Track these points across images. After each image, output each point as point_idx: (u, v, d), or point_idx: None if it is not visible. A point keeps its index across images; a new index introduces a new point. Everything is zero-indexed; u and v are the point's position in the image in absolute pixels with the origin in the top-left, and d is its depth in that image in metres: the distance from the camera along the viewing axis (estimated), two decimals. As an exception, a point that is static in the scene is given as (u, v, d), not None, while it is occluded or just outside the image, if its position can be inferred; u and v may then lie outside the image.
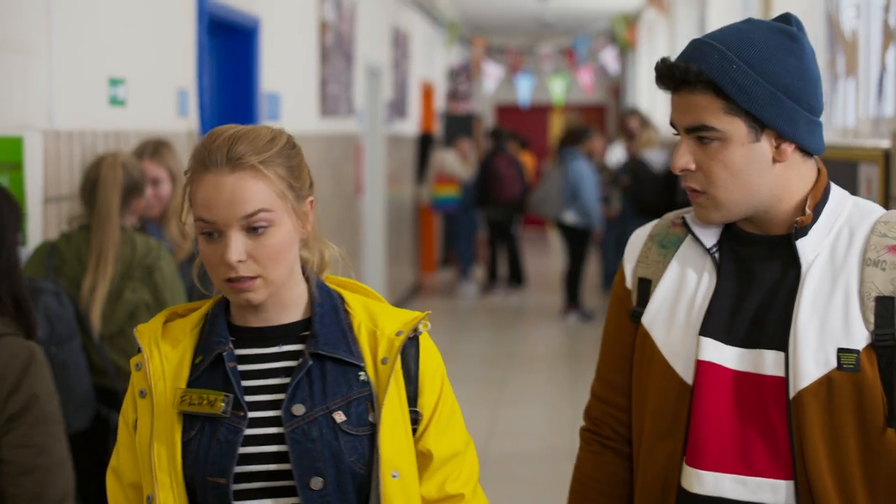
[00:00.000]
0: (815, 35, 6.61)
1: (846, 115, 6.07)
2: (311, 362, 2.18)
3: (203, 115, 6.06)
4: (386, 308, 2.29)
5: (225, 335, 2.21)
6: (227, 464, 2.13)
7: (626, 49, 20.73)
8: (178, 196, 4.57)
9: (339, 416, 2.16)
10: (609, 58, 21.26)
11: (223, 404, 2.14)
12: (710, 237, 2.28)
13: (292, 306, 2.22)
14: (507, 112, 24.18)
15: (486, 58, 21.15)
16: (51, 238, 4.15)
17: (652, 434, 2.29)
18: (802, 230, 2.18)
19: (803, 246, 2.18)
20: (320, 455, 2.14)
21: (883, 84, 5.12)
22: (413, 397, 2.23)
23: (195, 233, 2.17)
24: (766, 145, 2.16)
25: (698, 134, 2.16)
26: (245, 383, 2.18)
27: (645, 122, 11.79)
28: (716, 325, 2.22)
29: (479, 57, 21.02)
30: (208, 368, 2.19)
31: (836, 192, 2.24)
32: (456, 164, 14.71)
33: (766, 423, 2.16)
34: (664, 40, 14.63)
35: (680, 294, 2.29)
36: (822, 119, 2.20)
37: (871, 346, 2.11)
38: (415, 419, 2.22)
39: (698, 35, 2.21)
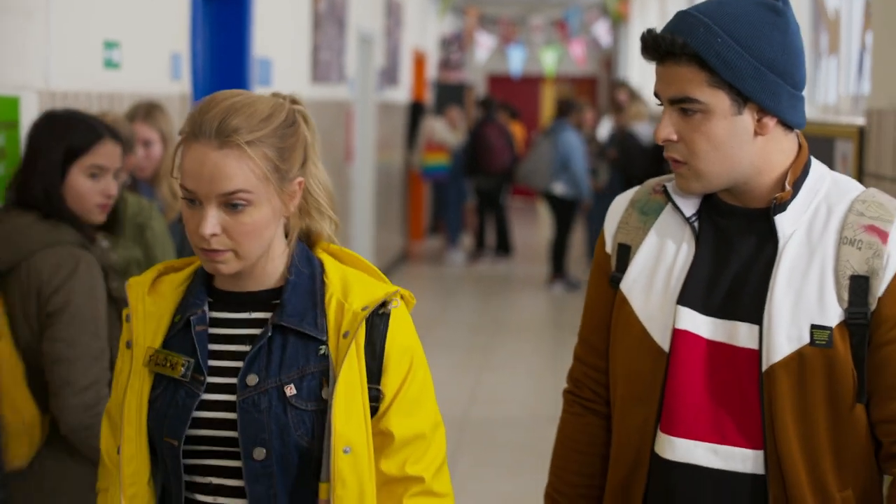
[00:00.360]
0: (801, 14, 6.72)
1: (828, 93, 6.18)
2: (270, 333, 2.17)
3: (196, 79, 6.15)
4: (364, 281, 2.25)
5: (202, 297, 2.22)
6: (180, 426, 2.15)
7: (618, 22, 20.79)
8: (169, 157, 4.68)
9: (290, 390, 2.15)
10: (601, 30, 21.33)
11: (182, 368, 2.16)
12: (690, 206, 2.29)
13: (268, 275, 2.22)
14: (499, 82, 24.24)
15: (479, 28, 21.21)
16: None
17: (626, 399, 2.32)
18: (781, 206, 2.19)
19: (781, 221, 2.20)
20: (266, 426, 2.13)
21: (862, 63, 5.23)
22: (376, 374, 2.19)
23: (180, 194, 2.19)
24: (748, 118, 2.17)
25: (682, 105, 2.17)
26: (213, 347, 2.19)
27: (634, 95, 11.89)
28: (693, 294, 2.24)
29: (472, 27, 21.08)
30: (182, 329, 2.21)
31: (816, 167, 2.26)
32: (445, 132, 14.80)
33: (739, 394, 2.19)
34: (656, 13, 14.71)
35: (659, 261, 2.30)
36: (805, 95, 2.23)
37: (844, 324, 2.14)
38: (375, 397, 2.18)
39: (689, 7, 2.25)
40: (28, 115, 4.17)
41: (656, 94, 2.24)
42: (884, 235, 2.16)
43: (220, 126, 2.07)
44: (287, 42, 8.19)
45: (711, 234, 2.27)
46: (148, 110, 4.68)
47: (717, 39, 2.12)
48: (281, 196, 2.15)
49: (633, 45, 18.17)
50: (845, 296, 2.14)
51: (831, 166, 4.70)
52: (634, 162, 10.93)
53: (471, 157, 14.40)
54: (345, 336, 2.16)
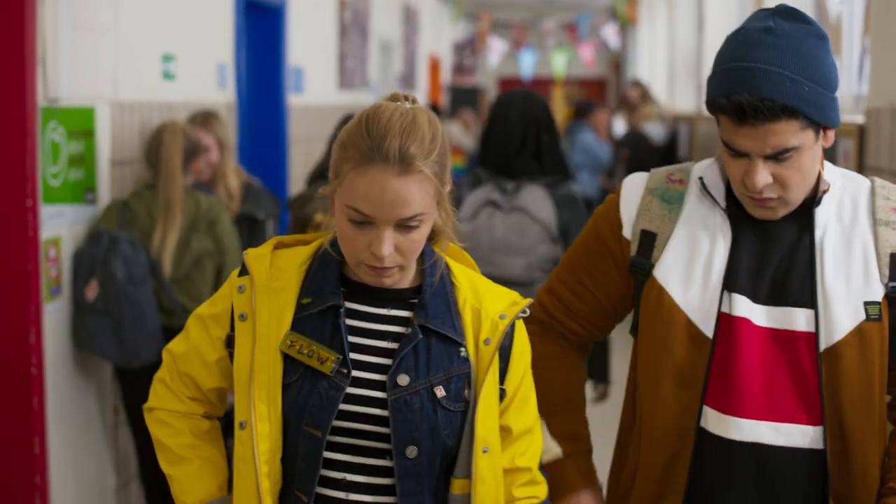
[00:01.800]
0: (804, 17, 7.08)
1: (831, 93, 6.51)
2: (420, 335, 2.19)
3: (240, 88, 6.56)
4: (488, 285, 2.30)
5: (338, 287, 2.22)
6: (325, 418, 2.14)
7: (626, 25, 21.10)
8: (226, 161, 5.10)
9: (440, 392, 2.17)
10: (610, 33, 21.64)
11: (333, 365, 2.16)
12: (722, 198, 2.37)
13: (407, 273, 2.23)
14: (510, 85, 24.47)
15: (491, 33, 21.54)
16: (118, 197, 4.66)
17: (664, 383, 2.36)
18: (818, 199, 2.31)
19: (818, 213, 2.31)
20: (419, 426, 2.15)
21: (862, 65, 5.57)
22: (503, 374, 2.25)
23: (339, 214, 2.14)
24: (820, 138, 2.26)
25: (782, 155, 2.22)
26: (351, 339, 2.19)
27: (645, 96, 12.20)
28: (741, 282, 2.31)
29: (484, 32, 21.42)
30: (317, 315, 2.20)
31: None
32: (460, 134, 15.14)
33: (797, 375, 2.28)
34: (664, 16, 15.04)
35: (695, 251, 2.35)
36: None
37: (886, 297, 2.28)
38: (501, 396, 2.25)
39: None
40: (102, 124, 4.58)
41: (738, 151, 2.25)
42: None
43: (402, 153, 2.07)
44: (317, 51, 8.59)
45: (748, 225, 2.35)
46: (206, 118, 5.11)
47: (805, 88, 2.17)
48: (440, 208, 2.19)
49: (642, 48, 18.53)
50: (886, 272, 2.28)
51: (834, 162, 5.06)
52: (647, 161, 11.16)
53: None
54: (486, 343, 2.20)
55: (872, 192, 2.36)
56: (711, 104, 2.27)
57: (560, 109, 21.46)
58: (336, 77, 9.18)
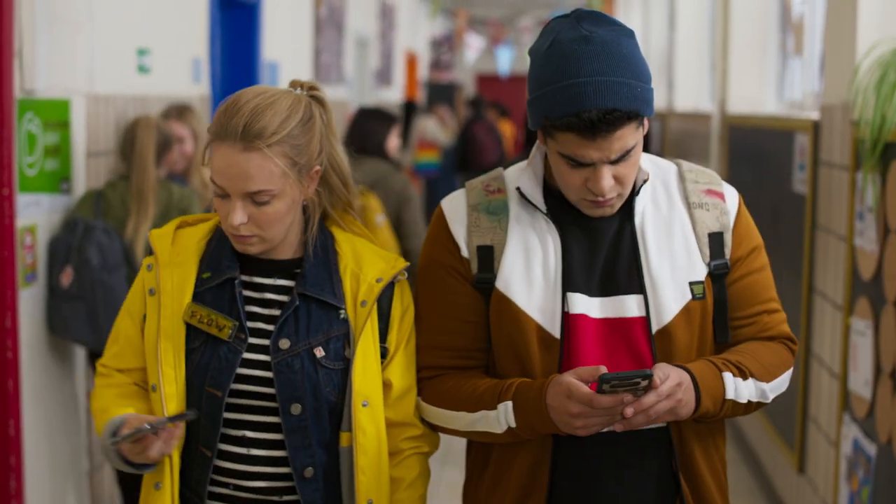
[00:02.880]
0: (769, 16, 7.24)
1: (794, 90, 6.68)
2: (297, 302, 2.39)
3: (214, 83, 6.67)
4: (372, 251, 2.49)
5: (233, 261, 2.42)
6: (225, 379, 2.36)
7: (603, 22, 21.19)
8: (200, 153, 5.22)
9: (319, 352, 2.38)
10: (587, 30, 21.71)
11: (230, 332, 2.38)
12: (541, 202, 2.43)
13: (288, 245, 2.44)
14: (487, 82, 24.71)
15: (468, 29, 21.65)
16: (94, 187, 4.77)
17: None
18: (638, 188, 2.42)
19: (636, 200, 2.42)
20: (301, 385, 2.36)
21: (823, 63, 5.72)
22: (383, 333, 2.44)
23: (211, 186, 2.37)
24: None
25: (621, 158, 2.29)
26: (246, 308, 2.41)
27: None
28: (577, 280, 2.39)
29: (462, 28, 21.53)
30: (215, 287, 2.41)
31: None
32: (436, 130, 15.25)
33: (637, 357, 2.37)
34: (639, 15, 15.18)
35: (529, 256, 2.41)
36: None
37: (709, 276, 2.42)
38: (383, 353, 2.44)
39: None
40: (77, 116, 4.68)
41: (584, 162, 2.28)
42: (721, 196, 2.48)
43: (245, 130, 2.26)
44: (292, 46, 8.69)
45: (571, 224, 2.42)
46: (180, 111, 5.23)
47: (637, 90, 2.24)
48: (300, 186, 2.37)
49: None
50: (707, 251, 2.42)
51: (791, 157, 5.23)
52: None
53: (461, 154, 14.83)
54: (362, 305, 2.41)
55: (681, 177, 2.49)
56: (553, 124, 2.26)
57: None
58: (311, 72, 9.29)
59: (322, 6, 9.57)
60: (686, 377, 2.31)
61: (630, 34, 2.31)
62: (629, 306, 2.39)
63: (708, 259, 2.43)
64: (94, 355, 4.64)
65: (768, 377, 2.44)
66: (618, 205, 2.38)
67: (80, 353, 4.75)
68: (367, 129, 6.00)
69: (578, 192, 2.34)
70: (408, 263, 2.48)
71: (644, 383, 2.20)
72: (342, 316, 2.42)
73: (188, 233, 2.48)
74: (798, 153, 5.12)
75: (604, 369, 2.23)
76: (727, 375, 2.37)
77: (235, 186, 2.30)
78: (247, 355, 2.38)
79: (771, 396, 2.47)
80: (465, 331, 2.47)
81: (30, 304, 4.31)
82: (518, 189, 2.45)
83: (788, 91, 6.82)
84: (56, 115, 4.50)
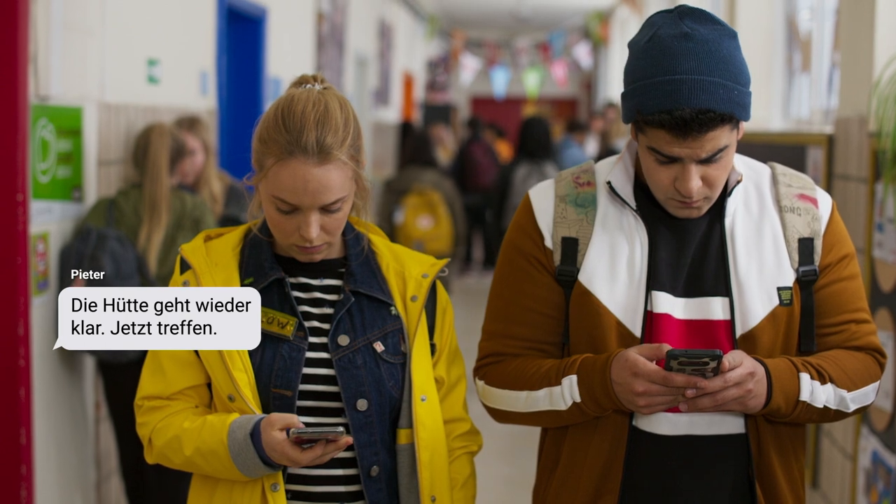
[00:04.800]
0: (775, 33, 7.25)
1: (801, 107, 6.67)
2: (353, 299, 2.39)
3: (220, 96, 6.65)
4: (406, 251, 2.51)
5: (276, 263, 2.40)
6: (292, 377, 2.33)
7: (598, 44, 21.28)
8: (210, 165, 5.19)
9: (379, 346, 2.38)
10: (582, 53, 21.79)
11: (293, 328, 2.35)
12: (632, 200, 2.41)
13: (334, 246, 2.42)
14: (482, 103, 24.74)
15: (465, 50, 21.68)
16: (105, 195, 4.74)
17: None
18: (731, 189, 2.39)
19: (728, 202, 2.40)
20: (364, 380, 2.35)
21: (832, 79, 5.73)
22: (431, 330, 2.47)
23: (266, 203, 2.32)
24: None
25: (714, 158, 2.28)
26: (299, 308, 2.39)
27: (619, 114, 12.41)
28: (662, 279, 2.36)
29: (458, 49, 21.56)
30: (261, 291, 2.36)
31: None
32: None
33: None
34: (636, 37, 15.19)
35: (615, 252, 2.39)
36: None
37: (797, 282, 2.38)
38: (432, 350, 2.47)
39: (684, 72, 2.15)
40: (89, 124, 4.66)
41: (673, 157, 2.28)
42: (814, 201, 2.44)
43: (319, 143, 2.25)
44: (294, 63, 8.69)
45: (660, 222, 2.40)
46: (191, 122, 5.21)
47: (734, 92, 2.23)
48: (358, 186, 2.39)
49: (613, 67, 18.69)
50: (796, 256, 2.38)
51: (803, 170, 5.22)
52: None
53: (458, 174, 14.82)
54: (413, 300, 2.43)
55: (774, 180, 2.46)
56: (644, 119, 2.26)
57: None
58: (313, 89, 9.26)
59: (324, 23, 9.57)
60: (760, 369, 2.28)
61: (732, 35, 2.29)
62: (714, 309, 2.36)
63: (797, 265, 2.40)
64: (104, 365, 4.61)
65: (850, 386, 2.38)
66: (705, 208, 2.36)
67: (89, 363, 4.72)
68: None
69: (666, 191, 2.33)
70: (447, 260, 2.51)
71: (713, 364, 2.17)
72: (393, 312, 2.43)
73: (221, 242, 2.45)
74: (811, 167, 5.10)
75: (667, 347, 2.21)
76: (804, 376, 2.33)
77: (313, 201, 2.28)
78: (307, 354, 2.36)
79: (853, 407, 2.40)
80: (538, 322, 2.45)
81: (41, 312, 4.27)
82: (608, 183, 2.43)
83: (795, 108, 6.81)
84: (69, 122, 4.48)
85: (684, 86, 2.21)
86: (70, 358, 4.54)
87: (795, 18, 6.89)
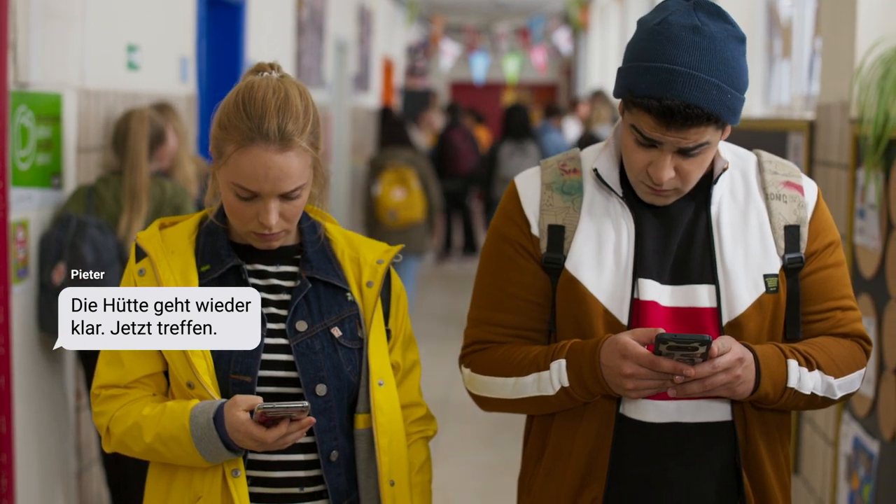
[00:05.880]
0: (756, 20, 7.25)
1: (781, 93, 6.67)
2: (309, 285, 2.41)
3: (200, 82, 6.62)
4: (360, 238, 2.54)
5: (232, 251, 2.41)
6: (251, 364, 2.34)
7: (578, 30, 21.29)
8: (182, 149, 5.15)
9: (337, 332, 2.40)
10: (562, 38, 21.82)
11: None
12: (618, 187, 2.42)
13: (290, 233, 2.43)
14: (462, 89, 24.72)
15: (444, 36, 21.67)
16: (85, 182, 4.72)
17: None
18: (716, 177, 2.40)
19: (714, 189, 2.40)
20: (322, 364, 2.37)
21: (812, 65, 5.74)
22: (386, 316, 2.50)
23: (225, 189, 2.32)
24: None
25: (692, 151, 2.29)
26: None
27: (597, 100, 12.39)
28: (649, 266, 2.37)
29: (438, 35, 21.55)
30: (218, 279, 2.38)
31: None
32: (417, 136, 15.20)
33: None
34: (616, 22, 15.21)
35: (602, 239, 2.39)
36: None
37: (783, 269, 2.38)
38: (387, 336, 2.50)
39: (684, 64, 2.17)
40: (69, 111, 4.63)
41: (652, 140, 2.30)
42: (800, 188, 2.44)
43: (280, 130, 2.25)
44: (275, 48, 8.64)
45: (647, 210, 2.40)
46: (161, 108, 5.18)
47: (728, 96, 2.25)
48: (316, 173, 2.39)
49: (593, 53, 18.69)
50: (782, 244, 2.39)
51: (784, 156, 5.22)
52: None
53: (437, 160, 14.80)
54: (368, 285, 2.46)
55: (760, 167, 2.46)
56: (633, 100, 2.28)
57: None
58: (293, 74, 9.19)
59: (304, 8, 9.53)
60: (749, 355, 2.28)
61: (741, 38, 2.29)
62: (700, 296, 2.37)
63: (783, 252, 2.40)
64: (84, 355, 4.58)
65: (837, 373, 2.38)
66: (672, 198, 2.37)
67: (69, 352, 4.69)
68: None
69: (638, 173, 2.35)
70: (402, 246, 2.54)
71: (702, 349, 2.18)
72: (349, 298, 2.44)
73: (176, 230, 2.45)
74: (792, 153, 5.11)
75: (661, 331, 2.21)
76: (792, 363, 2.33)
77: (272, 188, 2.29)
78: (266, 340, 2.37)
79: (839, 394, 2.41)
80: (523, 309, 2.45)
81: (21, 300, 4.25)
82: (595, 170, 2.44)
83: (776, 94, 6.82)
84: (48, 109, 4.45)
85: (680, 77, 2.22)
86: (50, 347, 4.51)
87: (776, 5, 6.89)
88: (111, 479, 4.74)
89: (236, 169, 2.28)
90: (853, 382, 2.43)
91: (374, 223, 9.68)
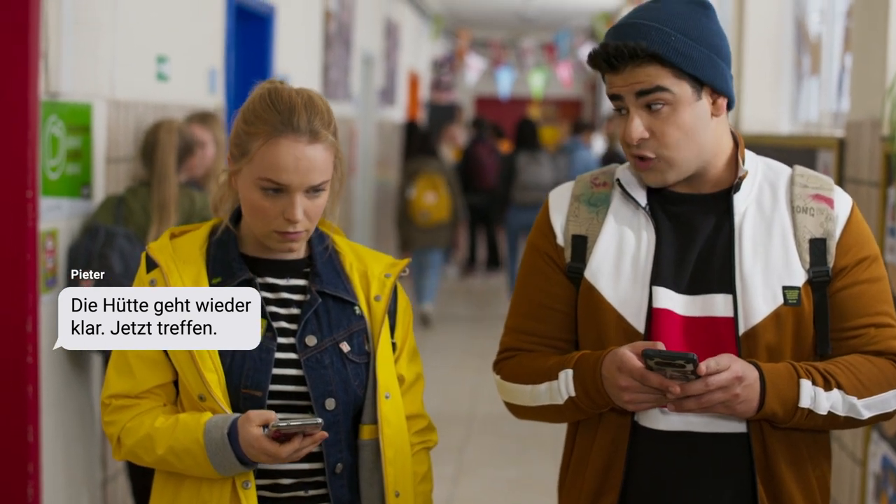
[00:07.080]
0: (784, 37, 7.23)
1: (809, 110, 6.66)
2: (319, 300, 2.43)
3: (228, 94, 6.64)
4: (367, 250, 2.57)
5: (243, 263, 2.43)
6: (262, 378, 2.36)
7: (604, 46, 21.25)
8: (219, 161, 5.17)
9: (345, 346, 2.43)
10: (587, 53, 21.79)
11: (262, 329, 2.37)
12: (642, 196, 2.43)
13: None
14: (487, 103, 24.72)
15: (470, 50, 21.68)
16: (114, 192, 4.73)
17: None
18: (737, 185, 2.39)
19: (737, 199, 2.39)
20: (332, 380, 2.40)
21: (842, 82, 5.72)
22: (392, 329, 2.52)
23: (249, 188, 2.34)
24: (705, 102, 2.34)
25: (649, 99, 2.31)
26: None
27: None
28: (665, 275, 2.37)
29: (463, 49, 21.56)
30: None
31: (749, 153, 2.45)
32: (443, 149, 15.20)
33: None
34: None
35: (622, 249, 2.41)
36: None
37: (809, 283, 2.35)
38: (392, 349, 2.52)
39: (628, 17, 2.37)
40: (99, 121, 4.65)
41: (616, 97, 2.36)
42: (830, 202, 2.40)
43: (311, 123, 2.31)
44: (302, 61, 8.68)
45: (668, 220, 2.42)
46: (203, 117, 5.20)
47: (672, 38, 2.29)
48: (336, 174, 2.43)
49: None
50: (807, 257, 2.36)
51: (814, 174, 5.20)
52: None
53: (463, 174, 14.80)
54: (377, 299, 2.49)
55: (792, 181, 2.43)
56: (592, 60, 2.39)
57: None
58: (320, 87, 9.26)
59: (332, 21, 9.56)
60: (752, 374, 2.26)
61: (705, 5, 2.38)
62: (717, 305, 2.36)
63: (808, 265, 2.37)
64: (111, 363, 4.58)
65: (863, 392, 2.33)
66: (668, 173, 2.37)
67: (96, 361, 4.70)
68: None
69: (623, 146, 2.39)
70: (408, 261, 2.59)
71: (690, 367, 2.17)
72: (357, 312, 2.47)
73: (186, 239, 2.47)
74: (821, 170, 5.09)
75: (661, 346, 2.22)
76: (805, 382, 2.30)
77: (301, 181, 2.32)
78: (276, 355, 2.39)
79: (866, 414, 2.35)
80: (551, 318, 2.49)
81: (49, 309, 4.26)
82: (618, 180, 2.47)
83: (804, 111, 6.80)
84: (78, 119, 4.47)
85: (625, 26, 2.34)
86: (77, 356, 4.53)
87: (805, 21, 6.88)
88: (136, 489, 4.75)
89: (264, 162, 2.31)
90: (886, 402, 2.37)
91: (406, 222, 11.00)
